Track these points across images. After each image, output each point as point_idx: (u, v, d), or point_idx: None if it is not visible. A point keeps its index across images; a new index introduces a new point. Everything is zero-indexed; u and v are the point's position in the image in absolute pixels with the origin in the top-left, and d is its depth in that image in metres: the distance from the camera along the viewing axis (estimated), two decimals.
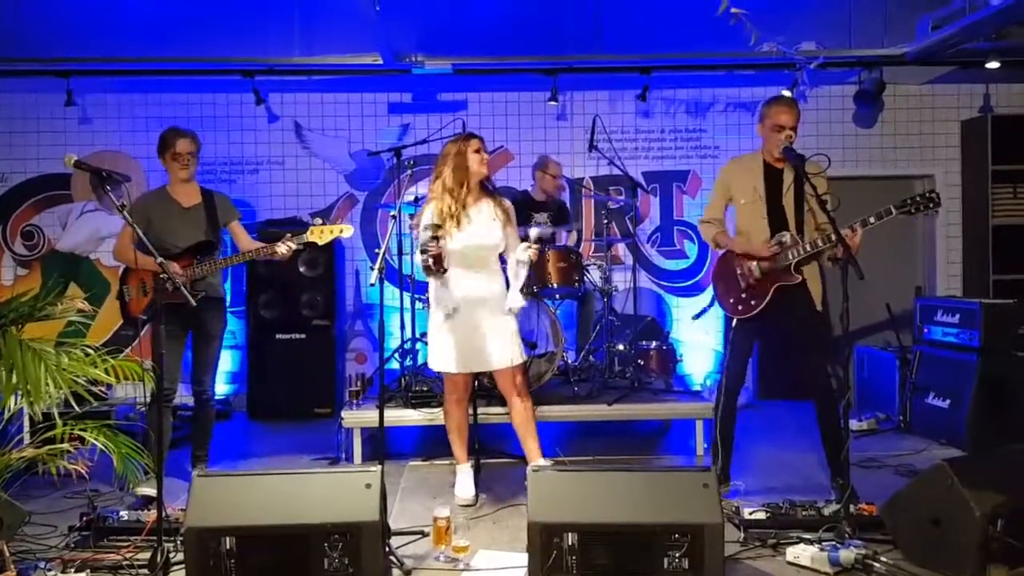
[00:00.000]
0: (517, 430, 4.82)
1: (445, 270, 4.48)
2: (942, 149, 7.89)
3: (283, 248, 4.88)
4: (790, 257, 4.47)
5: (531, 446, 4.77)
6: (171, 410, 5.05)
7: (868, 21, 7.01)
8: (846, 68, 7.38)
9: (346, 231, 4.90)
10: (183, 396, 6.17)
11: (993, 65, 7.11)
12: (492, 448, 5.67)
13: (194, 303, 3.94)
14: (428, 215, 4.59)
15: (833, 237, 4.17)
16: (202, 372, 5.14)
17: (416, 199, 6.07)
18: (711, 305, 4.85)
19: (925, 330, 6.36)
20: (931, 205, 4.23)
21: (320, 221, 4.91)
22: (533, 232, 4.55)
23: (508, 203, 4.78)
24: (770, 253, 4.53)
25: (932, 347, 6.27)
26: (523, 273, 4.69)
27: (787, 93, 7.01)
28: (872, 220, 4.27)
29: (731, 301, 4.72)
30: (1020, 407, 5.68)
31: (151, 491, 4.45)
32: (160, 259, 4.00)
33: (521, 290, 4.68)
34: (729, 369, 4.80)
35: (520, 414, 4.77)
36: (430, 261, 4.35)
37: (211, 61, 7.02)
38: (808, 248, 4.42)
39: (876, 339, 7.31)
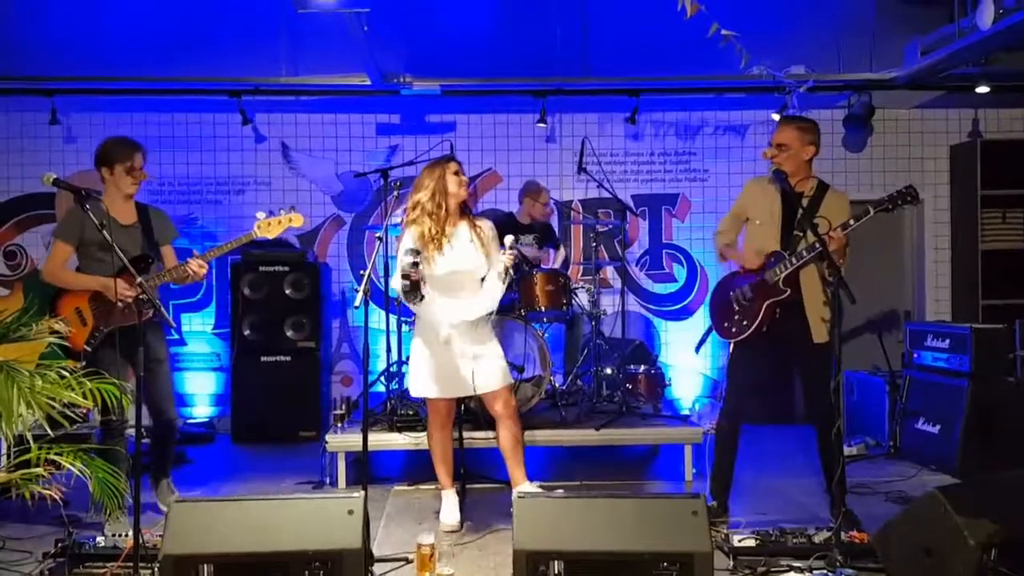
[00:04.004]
0: (503, 454, 4.74)
1: (423, 296, 4.41)
2: (931, 174, 7.89)
3: (197, 263, 4.55)
4: (778, 272, 4.42)
5: (516, 472, 4.69)
6: (125, 439, 4.74)
7: (857, 45, 7.03)
8: (835, 92, 7.38)
9: (295, 220, 4.65)
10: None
11: (983, 90, 7.14)
12: (478, 473, 5.59)
13: (173, 323, 3.87)
14: (408, 239, 4.52)
15: (816, 246, 4.15)
16: (162, 400, 4.80)
17: (402, 222, 6.02)
18: (708, 333, 4.76)
19: (915, 355, 6.33)
20: (909, 200, 4.22)
21: (264, 215, 4.64)
22: (508, 239, 4.48)
23: (488, 224, 4.68)
24: (757, 265, 4.49)
25: (922, 372, 6.23)
26: (500, 282, 4.54)
27: (776, 117, 7.02)
28: (851, 222, 4.26)
29: (725, 325, 4.65)
30: (1011, 432, 5.63)
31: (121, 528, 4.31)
32: (140, 279, 3.91)
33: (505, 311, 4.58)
34: (728, 396, 4.75)
35: (507, 438, 4.68)
36: (408, 286, 4.32)
37: (197, 80, 6.99)
38: (794, 260, 4.37)
39: (865, 364, 7.27)
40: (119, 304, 4.43)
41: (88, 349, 4.52)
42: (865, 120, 7.48)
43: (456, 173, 4.55)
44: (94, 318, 4.55)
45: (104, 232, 3.78)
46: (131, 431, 4.14)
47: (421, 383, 4.64)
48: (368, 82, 6.84)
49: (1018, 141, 7.70)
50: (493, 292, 4.58)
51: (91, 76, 6.88)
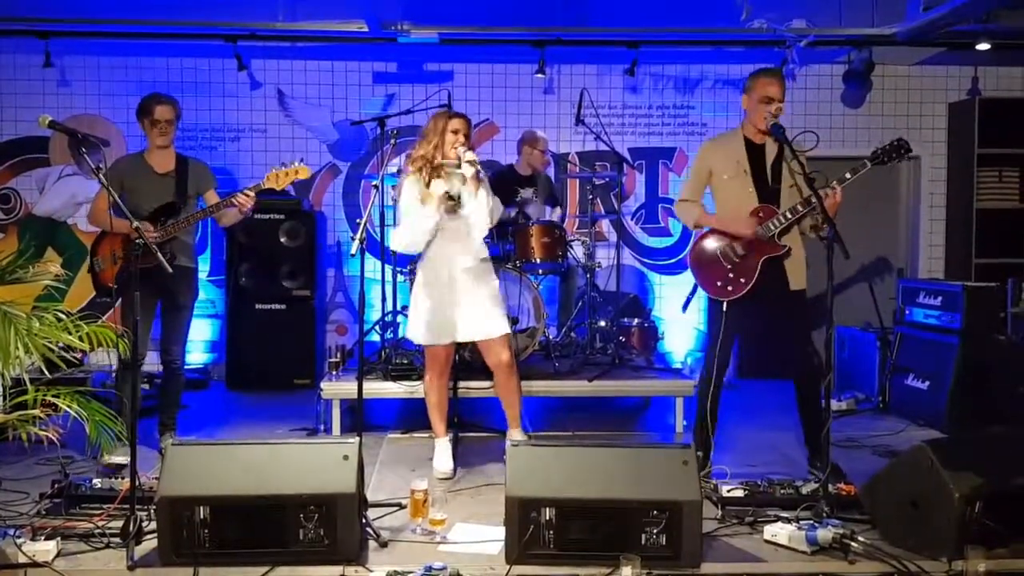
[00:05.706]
0: (502, 402, 4.81)
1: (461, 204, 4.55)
2: (929, 131, 7.87)
3: (241, 197, 4.82)
4: (772, 228, 4.41)
5: (512, 413, 4.78)
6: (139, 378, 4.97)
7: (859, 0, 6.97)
8: (835, 47, 7.34)
9: (302, 172, 4.83)
10: (152, 364, 6.19)
11: (983, 47, 7.10)
12: (471, 422, 5.64)
13: (169, 269, 3.89)
14: (408, 187, 4.55)
15: (812, 200, 4.18)
16: (171, 342, 5.09)
17: (399, 171, 6.00)
18: (695, 291, 4.70)
19: (907, 312, 6.36)
20: (902, 152, 4.32)
21: (275, 168, 4.86)
22: (464, 152, 4.50)
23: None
24: (751, 230, 4.45)
25: (913, 329, 6.27)
26: (482, 194, 4.57)
27: None
28: (848, 176, 4.31)
29: (718, 284, 4.53)
30: (1000, 390, 5.69)
31: (121, 459, 4.41)
32: (136, 223, 3.91)
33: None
34: (712, 351, 4.68)
35: (506, 389, 4.75)
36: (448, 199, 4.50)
37: (193, 25, 6.92)
38: (788, 215, 4.38)
39: (857, 320, 7.32)
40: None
41: (116, 286, 4.88)
42: (865, 76, 7.45)
43: (456, 132, 4.55)
44: (125, 258, 4.85)
45: (100, 175, 3.80)
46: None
47: (421, 330, 4.67)
48: (365, 29, 6.77)
49: (1017, 100, 7.67)
50: (479, 213, 4.57)
51: (86, 18, 6.80)
